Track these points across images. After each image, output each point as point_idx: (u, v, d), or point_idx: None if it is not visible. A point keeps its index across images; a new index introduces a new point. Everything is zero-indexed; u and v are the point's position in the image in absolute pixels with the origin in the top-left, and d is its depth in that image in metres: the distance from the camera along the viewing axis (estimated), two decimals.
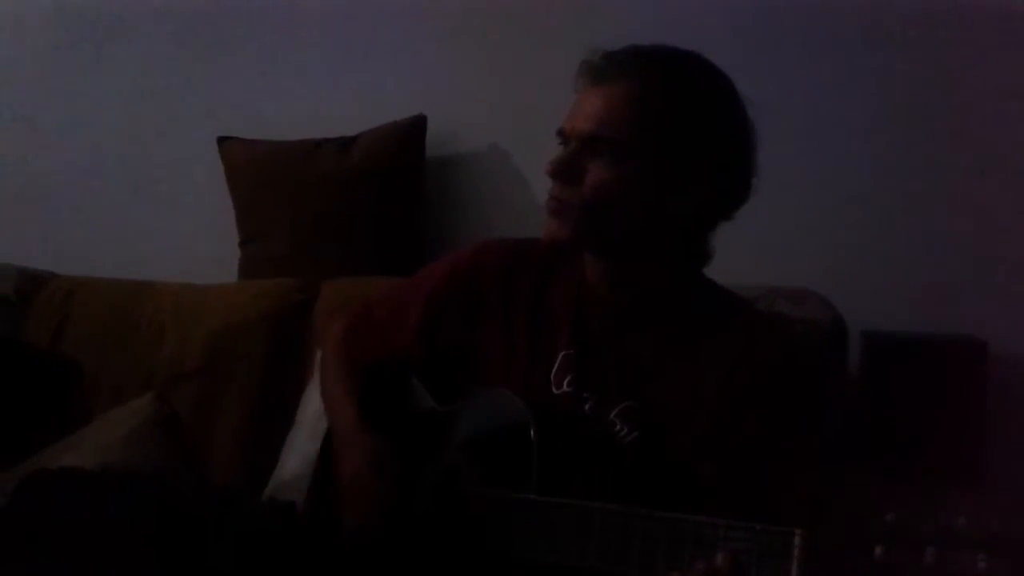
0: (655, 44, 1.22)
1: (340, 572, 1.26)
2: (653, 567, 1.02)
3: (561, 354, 1.26)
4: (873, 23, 2.02)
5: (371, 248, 2.15)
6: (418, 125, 2.17)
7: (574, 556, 1.07)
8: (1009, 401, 1.85)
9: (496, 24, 2.20)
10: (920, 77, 2.00)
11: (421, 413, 1.32)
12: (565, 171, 1.18)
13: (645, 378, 1.22)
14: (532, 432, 1.14)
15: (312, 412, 1.79)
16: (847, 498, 1.40)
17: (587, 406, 1.23)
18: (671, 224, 1.21)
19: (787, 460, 1.16)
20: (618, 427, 1.21)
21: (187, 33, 2.38)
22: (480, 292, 1.33)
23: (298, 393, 1.90)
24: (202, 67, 2.37)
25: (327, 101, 2.28)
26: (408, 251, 2.12)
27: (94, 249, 2.36)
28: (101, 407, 1.94)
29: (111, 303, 2.11)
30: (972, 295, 1.95)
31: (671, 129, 1.17)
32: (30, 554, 1.37)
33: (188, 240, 2.33)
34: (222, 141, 2.26)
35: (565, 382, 1.24)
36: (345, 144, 2.18)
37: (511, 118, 2.18)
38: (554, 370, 1.25)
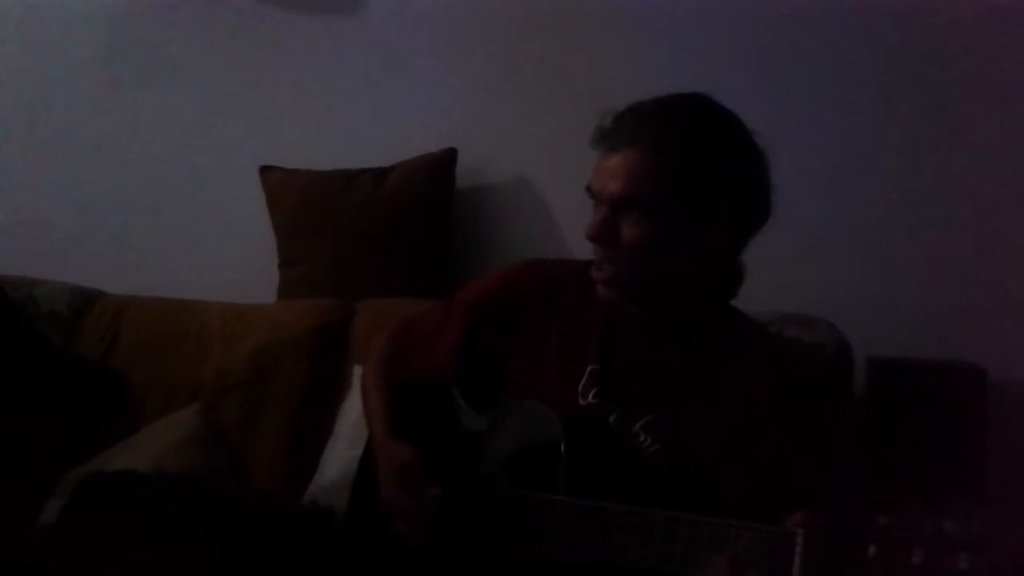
0: (658, 98, 1.27)
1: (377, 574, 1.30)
2: (671, 563, 1.08)
3: (589, 368, 1.30)
4: (885, 62, 2.05)
5: (403, 272, 2.17)
6: (449, 157, 2.21)
7: (603, 553, 1.12)
8: (1009, 427, 1.87)
9: (521, 66, 2.25)
10: (925, 108, 2.03)
11: (459, 424, 1.35)
12: (602, 234, 1.25)
13: (668, 392, 1.27)
14: (562, 445, 1.19)
15: (350, 423, 1.83)
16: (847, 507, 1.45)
17: (612, 418, 1.27)
18: (707, 256, 1.27)
19: (811, 468, 1.20)
20: (641, 438, 1.25)
21: (235, 70, 2.42)
22: (519, 307, 1.37)
23: (336, 406, 1.94)
24: (247, 101, 2.41)
25: (364, 134, 2.31)
26: (438, 275, 2.16)
27: (142, 270, 2.39)
28: (150, 418, 1.99)
29: (160, 320, 2.14)
30: (975, 322, 1.97)
31: (690, 177, 1.23)
32: (93, 550, 1.41)
33: (231, 262, 2.35)
34: (264, 170, 2.29)
35: (591, 394, 1.29)
36: (380, 174, 2.22)
37: (536, 152, 2.23)
38: (581, 383, 1.30)
